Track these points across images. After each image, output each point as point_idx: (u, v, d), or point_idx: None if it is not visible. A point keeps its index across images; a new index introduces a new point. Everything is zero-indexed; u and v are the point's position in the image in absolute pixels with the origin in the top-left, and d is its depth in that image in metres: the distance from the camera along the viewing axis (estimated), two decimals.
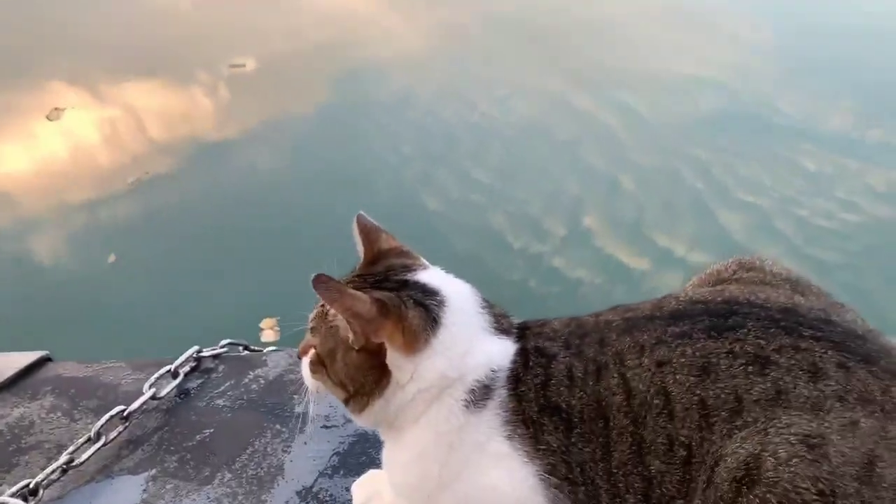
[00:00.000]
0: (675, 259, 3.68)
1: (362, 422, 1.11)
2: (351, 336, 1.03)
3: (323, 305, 1.07)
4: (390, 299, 1.03)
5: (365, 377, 1.06)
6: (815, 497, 0.87)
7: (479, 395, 1.01)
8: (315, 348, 1.10)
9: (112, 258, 3.97)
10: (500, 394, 1.01)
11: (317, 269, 1.01)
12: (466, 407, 1.02)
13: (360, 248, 1.16)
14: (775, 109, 4.79)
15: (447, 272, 1.14)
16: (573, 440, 0.98)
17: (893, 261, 3.51)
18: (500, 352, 1.04)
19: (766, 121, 4.71)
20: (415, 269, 1.11)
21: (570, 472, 0.98)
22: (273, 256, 3.83)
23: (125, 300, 3.69)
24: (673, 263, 3.63)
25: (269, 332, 3.26)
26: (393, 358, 1.03)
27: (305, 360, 1.13)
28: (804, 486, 0.87)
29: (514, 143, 4.85)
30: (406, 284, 1.07)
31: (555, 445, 0.98)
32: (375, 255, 1.15)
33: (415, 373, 1.03)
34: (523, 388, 1.01)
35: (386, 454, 1.14)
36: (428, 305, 1.04)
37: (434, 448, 1.04)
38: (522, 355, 1.04)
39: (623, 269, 3.69)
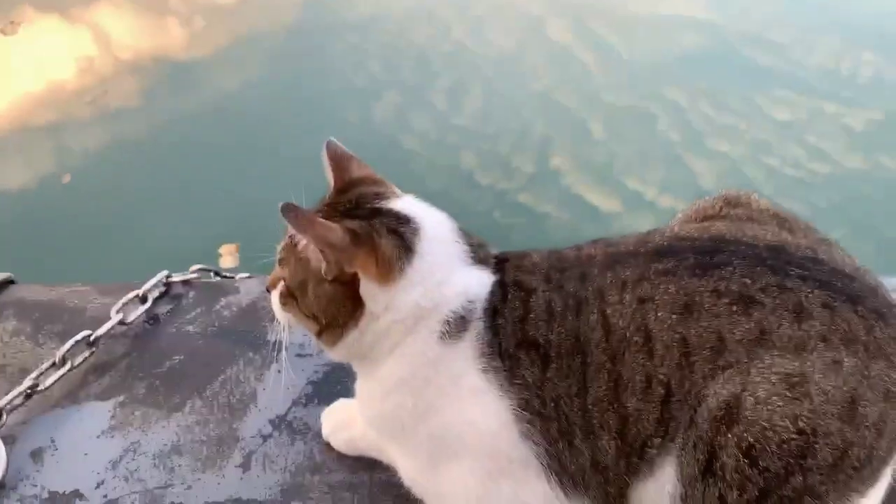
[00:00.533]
0: (646, 202, 3.68)
1: (335, 355, 1.09)
2: (323, 267, 0.99)
3: (291, 236, 1.03)
4: (362, 227, 1.00)
5: (338, 309, 1.02)
6: (794, 435, 0.87)
7: (455, 326, 0.99)
8: (284, 281, 1.07)
9: (66, 178, 3.84)
10: (477, 325, 0.99)
11: (284, 196, 0.97)
12: (442, 338, 0.99)
13: (330, 176, 1.11)
14: (757, 48, 4.74)
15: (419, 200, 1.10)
16: (549, 375, 0.97)
17: (860, 212, 3.55)
18: (477, 282, 1.02)
19: (745, 61, 4.66)
20: (387, 197, 1.07)
21: (544, 406, 0.97)
22: (237, 181, 3.73)
23: (84, 223, 3.57)
24: (643, 206, 3.63)
25: (227, 258, 3.16)
26: (367, 288, 1.00)
27: (275, 294, 1.10)
28: (782, 424, 0.88)
29: (488, 76, 4.75)
30: (379, 212, 1.03)
31: (530, 380, 0.97)
32: (346, 184, 1.10)
33: (389, 303, 1.00)
34: (500, 321, 0.99)
35: (359, 387, 1.12)
36: (402, 233, 1.01)
37: (409, 381, 1.02)
38: (501, 288, 1.01)
39: (591, 209, 3.67)
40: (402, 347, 1.02)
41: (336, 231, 0.98)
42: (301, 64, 4.79)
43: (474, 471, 1.02)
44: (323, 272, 1.00)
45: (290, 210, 0.96)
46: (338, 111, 4.31)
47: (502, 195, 3.76)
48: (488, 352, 0.99)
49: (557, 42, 4.92)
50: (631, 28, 5.00)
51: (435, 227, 1.04)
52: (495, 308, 1.00)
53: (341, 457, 1.28)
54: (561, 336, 0.97)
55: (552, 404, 0.97)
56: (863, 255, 1.09)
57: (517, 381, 0.97)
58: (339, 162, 1.11)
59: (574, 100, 4.43)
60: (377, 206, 1.05)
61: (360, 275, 1.00)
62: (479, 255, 1.05)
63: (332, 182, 1.11)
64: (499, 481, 1.01)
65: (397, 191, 1.11)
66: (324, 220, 0.98)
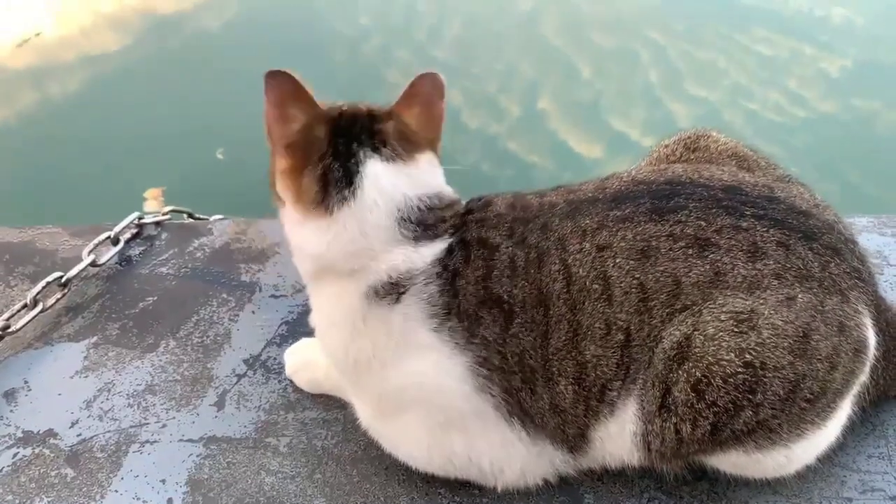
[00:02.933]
0: (631, 142, 3.67)
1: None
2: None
3: None
4: (305, 149, 0.98)
5: (270, 176, 1.04)
6: (740, 368, 0.89)
7: (385, 290, 0.97)
8: None
9: None
10: (425, 290, 0.97)
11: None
12: (367, 298, 0.98)
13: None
14: None
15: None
16: (513, 331, 0.97)
17: (834, 156, 3.56)
18: (414, 257, 0.98)
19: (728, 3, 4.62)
20: (379, 154, 0.98)
21: (505, 362, 0.98)
22: (222, 125, 3.66)
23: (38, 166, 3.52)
24: (628, 147, 3.61)
25: (152, 202, 3.12)
26: (282, 188, 1.00)
27: None
28: (728, 358, 0.89)
29: (474, 15, 4.67)
30: (347, 158, 0.98)
31: (490, 338, 0.97)
32: (388, 113, 1.02)
33: (294, 230, 1.01)
34: (461, 282, 0.98)
35: (311, 303, 1.11)
36: (329, 191, 0.96)
37: (341, 325, 1.01)
38: (463, 248, 0.99)
39: (573, 154, 3.66)
40: (326, 291, 1.02)
41: (290, 126, 0.97)
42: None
43: (425, 421, 1.03)
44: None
45: (271, 77, 0.95)
46: (328, 53, 4.23)
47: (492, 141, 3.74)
48: (442, 312, 0.98)
49: None
50: None
51: (371, 210, 0.96)
52: (456, 270, 0.98)
53: (316, 394, 1.29)
54: (525, 290, 0.97)
55: (515, 358, 0.98)
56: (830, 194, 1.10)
57: (475, 340, 0.97)
58: (409, 98, 1.01)
59: (560, 40, 4.38)
60: (355, 151, 0.98)
61: (278, 176, 1.00)
62: (434, 231, 0.99)
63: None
64: (450, 433, 1.03)
65: (408, 156, 1.00)
66: (292, 110, 0.97)
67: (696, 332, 0.91)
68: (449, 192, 1.04)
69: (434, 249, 0.99)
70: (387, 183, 0.97)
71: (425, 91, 1.01)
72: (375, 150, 0.98)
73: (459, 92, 3.96)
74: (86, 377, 1.35)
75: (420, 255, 0.98)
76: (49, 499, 1.16)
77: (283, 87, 0.96)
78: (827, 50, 4.16)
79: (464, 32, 4.48)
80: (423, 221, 0.98)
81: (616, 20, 4.54)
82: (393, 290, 0.98)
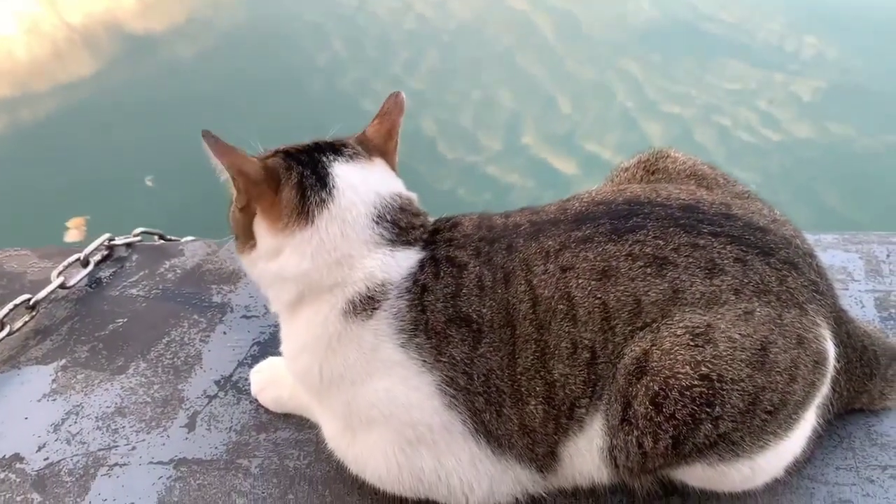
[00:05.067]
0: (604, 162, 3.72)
1: (245, 271, 1.11)
2: (234, 193, 1.03)
3: None
4: (276, 168, 1.01)
5: (240, 230, 1.06)
6: (696, 381, 0.90)
7: (362, 305, 0.99)
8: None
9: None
10: (396, 304, 0.99)
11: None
12: (345, 315, 1.00)
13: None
14: (710, 21, 4.79)
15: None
16: (481, 351, 0.98)
17: (805, 179, 3.63)
18: (391, 265, 1.00)
19: (699, 33, 4.71)
20: (341, 156, 1.04)
21: (470, 383, 0.98)
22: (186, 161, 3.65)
23: None
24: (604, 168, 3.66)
25: (74, 231, 3.06)
26: (258, 225, 1.03)
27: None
28: (683, 371, 0.91)
29: (449, 49, 4.73)
30: (314, 165, 1.02)
31: (458, 358, 0.98)
32: (360, 136, 1.11)
33: (275, 255, 1.02)
34: (430, 298, 0.99)
35: (281, 335, 1.13)
36: (307, 197, 1.00)
37: (314, 347, 1.02)
38: (433, 265, 1.01)
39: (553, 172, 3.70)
40: (304, 313, 1.03)
41: (253, 163, 1.00)
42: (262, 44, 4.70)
43: (393, 438, 1.02)
44: (234, 200, 1.04)
45: (208, 136, 0.98)
46: (301, 85, 4.24)
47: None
48: (410, 328, 0.99)
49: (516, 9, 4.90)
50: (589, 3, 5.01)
51: (350, 208, 1.00)
52: (425, 286, 1.00)
53: (288, 415, 1.28)
54: (493, 309, 0.99)
55: (481, 379, 0.98)
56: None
57: (443, 359, 0.98)
58: (380, 115, 1.11)
59: (539, 71, 4.44)
60: (321, 160, 1.03)
61: (259, 211, 1.02)
62: (407, 236, 1.03)
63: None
64: (419, 449, 1.02)
65: (374, 160, 1.07)
66: (241, 153, 1.00)
67: (653, 348, 0.93)
68: (416, 199, 1.08)
69: (408, 260, 1.01)
70: (357, 180, 1.02)
71: (386, 106, 1.11)
72: (336, 152, 1.04)
73: (434, 121, 3.99)
74: (54, 400, 1.34)
75: (396, 263, 1.00)
76: None
77: (219, 139, 0.99)
78: (798, 76, 4.26)
79: (440, 64, 4.52)
80: (397, 222, 1.02)
81: (591, 54, 4.62)
82: (368, 305, 0.99)
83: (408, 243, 1.02)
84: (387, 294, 0.99)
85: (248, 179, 1.00)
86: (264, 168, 1.01)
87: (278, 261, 1.02)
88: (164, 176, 3.44)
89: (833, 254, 1.56)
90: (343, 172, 1.02)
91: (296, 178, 1.00)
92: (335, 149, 1.05)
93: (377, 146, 1.09)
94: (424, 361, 0.98)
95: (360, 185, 1.02)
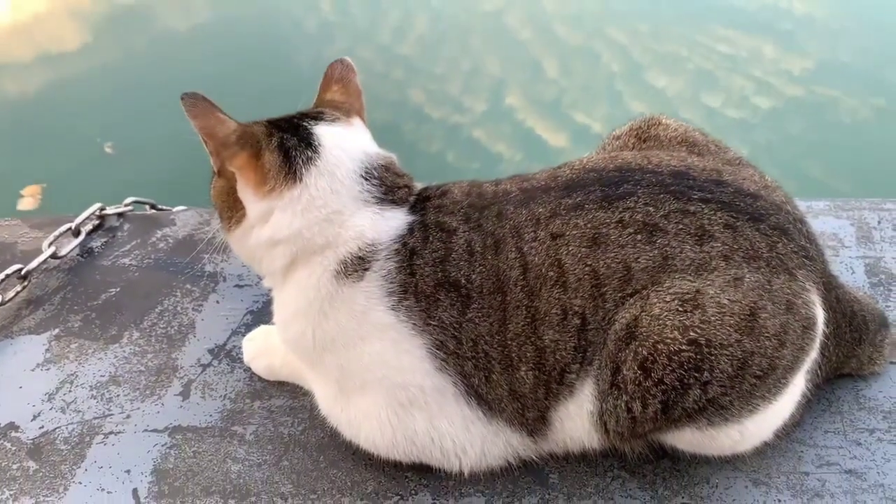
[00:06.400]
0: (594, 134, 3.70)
1: (234, 251, 1.11)
2: (211, 160, 1.05)
3: None
4: (256, 132, 1.02)
5: (224, 202, 1.07)
6: (685, 346, 0.91)
7: (353, 266, 1.00)
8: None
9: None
10: (385, 266, 1.00)
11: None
12: (337, 276, 1.01)
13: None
14: None
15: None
16: (469, 316, 0.99)
17: (789, 155, 3.63)
18: (381, 225, 1.02)
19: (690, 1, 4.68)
20: (322, 120, 1.07)
21: (459, 347, 0.99)
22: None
23: None
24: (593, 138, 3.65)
25: (28, 199, 3.04)
26: (243, 192, 1.03)
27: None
28: (672, 336, 0.91)
29: (440, 13, 4.67)
30: (295, 129, 1.04)
31: (447, 322, 0.99)
32: (317, 103, 1.14)
33: (266, 217, 1.02)
34: (419, 262, 1.00)
35: (274, 306, 1.13)
36: (292, 156, 1.01)
37: (306, 311, 1.03)
38: (422, 230, 1.02)
39: (541, 143, 3.68)
40: (296, 277, 1.04)
41: (228, 126, 1.00)
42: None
43: (386, 401, 1.03)
44: (212, 164, 1.05)
45: (186, 97, 0.98)
46: (291, 51, 4.19)
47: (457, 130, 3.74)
48: (399, 290, 1.00)
49: None
50: None
51: (338, 164, 1.02)
52: (414, 249, 1.01)
53: (282, 382, 1.29)
54: (482, 275, 0.99)
55: (470, 344, 0.99)
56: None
57: (432, 322, 0.99)
58: (326, 83, 1.15)
59: (527, 35, 4.40)
60: (303, 123, 1.05)
61: (238, 175, 1.03)
62: (395, 194, 1.05)
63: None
64: (411, 411, 1.03)
65: (351, 121, 1.10)
66: (219, 114, 1.00)
67: (643, 314, 0.93)
68: (396, 159, 1.11)
69: (396, 220, 1.02)
70: (342, 139, 1.05)
71: (338, 73, 1.14)
72: (316, 118, 1.06)
73: (422, 91, 3.96)
74: (47, 370, 1.34)
75: (385, 222, 1.02)
76: (11, 492, 1.15)
77: (200, 101, 0.99)
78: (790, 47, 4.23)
79: (428, 30, 4.47)
80: (383, 180, 1.04)
81: (579, 20, 4.57)
82: (359, 266, 1.00)
83: (394, 203, 1.04)
84: (376, 255, 1.00)
85: (218, 141, 1.01)
86: (239, 132, 1.01)
87: (269, 224, 1.02)
88: (128, 145, 3.41)
89: (824, 220, 1.57)
90: (327, 132, 1.05)
91: (276, 142, 1.02)
92: (315, 115, 1.08)
93: (350, 109, 1.12)
94: (414, 324, 0.99)
95: (346, 142, 1.05)
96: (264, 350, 1.29)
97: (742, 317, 0.92)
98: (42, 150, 3.42)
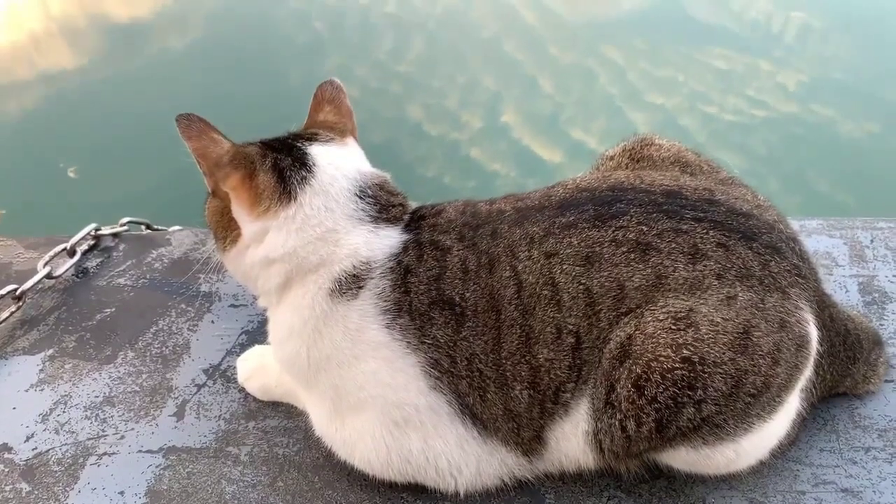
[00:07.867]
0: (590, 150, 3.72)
1: (230, 271, 1.12)
2: (206, 180, 1.06)
3: None
4: (250, 153, 1.03)
5: (218, 223, 1.08)
6: (678, 364, 0.91)
7: (347, 284, 1.01)
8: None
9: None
10: (379, 284, 1.01)
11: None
12: (332, 295, 1.01)
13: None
14: (694, 9, 4.80)
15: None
16: (464, 334, 0.99)
17: (789, 165, 3.65)
18: (375, 243, 1.02)
19: (683, 21, 4.72)
20: (316, 141, 1.08)
21: (454, 365, 0.99)
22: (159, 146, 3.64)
23: None
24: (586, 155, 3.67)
25: None
26: (237, 212, 1.04)
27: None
28: (665, 353, 0.91)
29: (434, 35, 4.71)
30: (289, 150, 1.05)
31: (441, 340, 0.99)
32: (309, 124, 1.14)
33: (261, 237, 1.03)
34: (413, 280, 1.00)
35: (269, 329, 1.14)
36: (287, 176, 1.02)
37: (301, 330, 1.03)
38: (417, 248, 1.03)
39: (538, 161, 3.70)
40: (291, 296, 1.04)
41: (222, 147, 1.01)
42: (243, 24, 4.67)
43: (381, 420, 1.03)
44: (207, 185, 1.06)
45: (183, 118, 0.99)
46: (284, 69, 4.22)
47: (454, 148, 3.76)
48: (394, 309, 1.00)
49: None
50: None
51: (332, 183, 1.03)
52: (408, 267, 1.01)
53: (277, 403, 1.29)
54: (476, 294, 0.99)
55: (464, 363, 0.99)
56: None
57: (427, 340, 0.99)
58: (317, 104, 1.16)
59: (522, 56, 4.43)
60: (296, 144, 1.06)
61: (232, 196, 1.03)
62: (389, 213, 1.05)
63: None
64: (406, 431, 1.03)
65: (346, 141, 1.11)
66: (214, 135, 1.01)
67: (637, 332, 0.94)
68: (390, 178, 1.12)
69: (391, 239, 1.03)
70: (336, 158, 1.06)
71: (328, 93, 1.16)
72: (310, 139, 1.07)
73: (420, 107, 3.98)
74: (41, 390, 1.33)
75: (379, 241, 1.02)
76: None
77: (195, 122, 1.00)
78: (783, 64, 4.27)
79: (426, 50, 4.50)
80: (378, 199, 1.05)
81: (574, 39, 4.61)
82: (354, 284, 1.00)
83: (389, 221, 1.05)
84: (371, 273, 1.00)
85: (211, 161, 1.02)
86: (232, 153, 1.02)
87: (264, 243, 1.03)
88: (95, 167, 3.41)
89: (818, 239, 1.57)
90: (321, 152, 1.06)
91: (270, 162, 1.03)
92: (309, 136, 1.09)
93: (343, 129, 1.13)
94: (409, 343, 0.99)
95: (340, 161, 1.06)
96: (258, 370, 1.29)
97: (735, 335, 0.92)
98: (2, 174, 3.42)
